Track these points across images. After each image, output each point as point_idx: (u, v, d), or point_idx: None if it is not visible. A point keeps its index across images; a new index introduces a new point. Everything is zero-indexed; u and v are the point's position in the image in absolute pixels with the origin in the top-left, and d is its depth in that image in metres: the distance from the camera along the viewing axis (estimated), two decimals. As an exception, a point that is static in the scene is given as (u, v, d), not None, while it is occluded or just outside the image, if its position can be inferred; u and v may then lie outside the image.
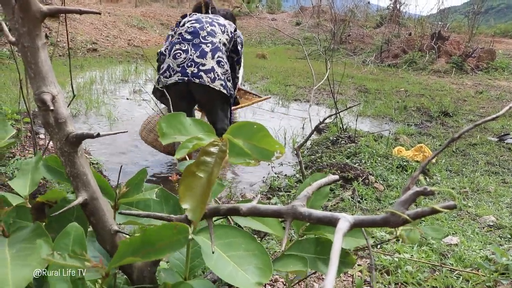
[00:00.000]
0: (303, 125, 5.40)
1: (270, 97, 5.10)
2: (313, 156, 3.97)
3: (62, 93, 0.85)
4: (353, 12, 16.17)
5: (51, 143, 3.15)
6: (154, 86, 3.29)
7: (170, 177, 0.91)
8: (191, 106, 3.37)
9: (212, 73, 3.06)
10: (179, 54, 3.10)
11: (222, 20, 3.32)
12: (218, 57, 3.12)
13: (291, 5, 24.61)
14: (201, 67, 3.05)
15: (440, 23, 14.06)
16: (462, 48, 11.53)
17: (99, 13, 0.80)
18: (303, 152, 4.22)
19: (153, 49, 11.34)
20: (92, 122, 4.94)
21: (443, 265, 2.04)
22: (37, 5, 0.76)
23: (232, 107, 3.54)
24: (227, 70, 3.18)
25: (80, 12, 0.80)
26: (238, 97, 4.33)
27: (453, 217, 2.77)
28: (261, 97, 4.64)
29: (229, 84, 3.20)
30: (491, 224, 2.68)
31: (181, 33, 3.18)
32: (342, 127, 4.57)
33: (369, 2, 18.09)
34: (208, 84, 3.05)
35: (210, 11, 3.47)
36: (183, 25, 3.25)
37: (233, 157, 0.74)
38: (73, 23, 11.29)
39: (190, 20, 3.26)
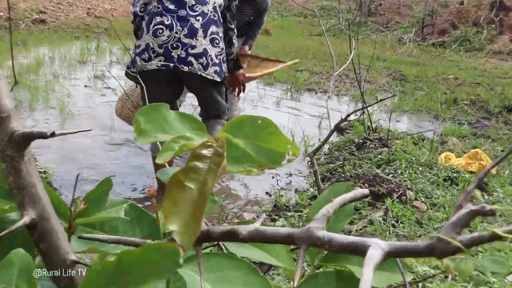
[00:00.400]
0: (319, 123, 5.42)
1: (297, 61, 4.91)
2: (332, 165, 3.99)
3: (5, 78, 0.86)
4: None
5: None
6: (127, 68, 3.25)
7: (147, 191, 0.93)
8: (176, 94, 3.42)
9: (204, 57, 3.08)
10: (161, 31, 3.07)
11: None
12: (212, 33, 3.14)
13: (303, -36, 24.68)
14: (190, 50, 3.06)
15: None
16: (531, 21, 11.58)
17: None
18: (319, 159, 4.24)
19: (120, 21, 11.38)
20: (39, 116, 4.96)
21: (505, 310, 2.04)
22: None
23: (250, 75, 3.66)
24: (222, 49, 3.22)
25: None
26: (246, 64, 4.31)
27: (519, 247, 2.78)
28: (285, 62, 4.62)
29: (224, 65, 3.25)
30: None
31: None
32: (371, 126, 4.59)
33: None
34: (200, 73, 3.08)
35: None
36: None
37: (231, 163, 0.75)
38: (14, -14, 11.34)
39: None
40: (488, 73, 8.66)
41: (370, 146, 4.22)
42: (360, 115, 4.67)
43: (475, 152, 4.13)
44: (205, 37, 3.10)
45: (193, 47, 3.06)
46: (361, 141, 4.33)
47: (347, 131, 4.98)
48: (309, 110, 6.01)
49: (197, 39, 3.07)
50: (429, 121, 5.84)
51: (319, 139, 4.77)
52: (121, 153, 4.18)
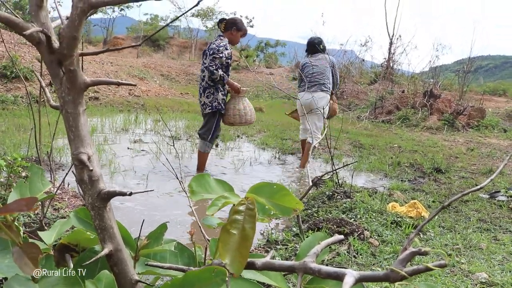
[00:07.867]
0: (299, 179, 5.48)
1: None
2: (309, 211, 4.02)
3: (96, 153, 0.94)
4: (348, 69, 16.68)
5: (59, 190, 3.19)
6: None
7: (188, 232, 0.99)
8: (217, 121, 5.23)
9: (204, 105, 5.00)
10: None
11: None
12: (206, 92, 4.93)
13: (288, 60, 25.38)
14: (201, 103, 5.06)
15: (432, 80, 14.49)
16: (453, 105, 11.85)
17: (135, 85, 0.91)
18: (300, 205, 4.27)
19: (153, 99, 11.58)
20: (93, 170, 4.99)
21: (438, 322, 2.07)
22: (83, 77, 0.87)
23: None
24: (213, 97, 4.93)
25: (118, 83, 0.91)
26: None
27: (446, 274, 2.81)
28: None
29: (214, 103, 4.94)
30: (483, 281, 2.72)
31: None
32: (338, 182, 4.66)
33: (363, 60, 18.66)
34: (203, 112, 5.06)
35: None
36: None
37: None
38: (77, 73, 11.54)
39: None
40: (423, 143, 8.81)
41: (337, 197, 4.27)
42: (331, 175, 4.74)
43: (413, 202, 4.17)
44: (203, 95, 4.97)
45: (201, 101, 5.03)
46: (331, 193, 4.38)
47: (320, 185, 5.03)
48: (292, 169, 6.08)
49: (201, 97, 5.01)
50: (380, 178, 5.91)
51: (300, 190, 4.84)
52: (152, 198, 4.22)
